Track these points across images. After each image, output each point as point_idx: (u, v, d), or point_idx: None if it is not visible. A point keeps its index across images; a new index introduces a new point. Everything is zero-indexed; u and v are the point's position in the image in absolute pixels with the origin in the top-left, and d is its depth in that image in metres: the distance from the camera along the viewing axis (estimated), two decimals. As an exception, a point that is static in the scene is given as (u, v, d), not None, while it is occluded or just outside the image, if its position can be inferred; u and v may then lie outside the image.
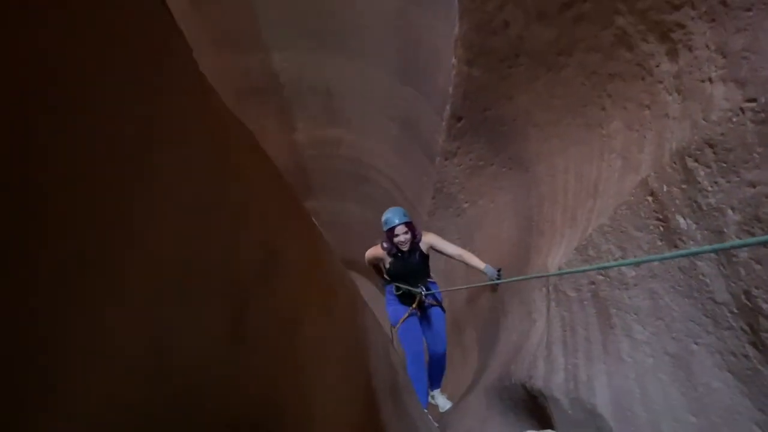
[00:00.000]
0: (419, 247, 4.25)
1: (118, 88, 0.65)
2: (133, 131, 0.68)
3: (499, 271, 3.89)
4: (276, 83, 6.76)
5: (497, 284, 3.92)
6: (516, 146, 3.65)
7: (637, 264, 2.07)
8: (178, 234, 0.82)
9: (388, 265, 4.33)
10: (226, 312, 1.02)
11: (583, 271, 2.42)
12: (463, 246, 4.64)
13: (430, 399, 4.71)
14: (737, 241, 1.54)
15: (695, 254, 1.75)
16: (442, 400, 4.69)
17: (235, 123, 1.37)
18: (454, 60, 3.77)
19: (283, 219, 1.64)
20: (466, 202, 4.70)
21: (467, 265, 4.17)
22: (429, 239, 4.29)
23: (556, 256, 2.91)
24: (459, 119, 4.14)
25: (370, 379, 2.33)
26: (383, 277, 4.53)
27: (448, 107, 4.19)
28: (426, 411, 4.26)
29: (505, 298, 3.87)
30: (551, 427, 2.73)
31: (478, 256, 4.14)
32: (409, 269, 4.27)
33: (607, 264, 2.22)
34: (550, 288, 2.85)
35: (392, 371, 2.87)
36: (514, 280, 3.35)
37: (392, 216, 4.18)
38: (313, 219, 2.37)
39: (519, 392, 3.11)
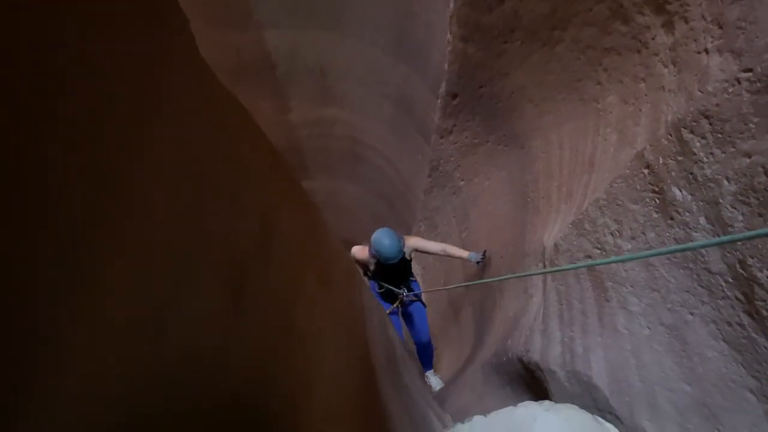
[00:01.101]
0: (403, 253, 4.34)
1: (110, 61, 0.65)
2: (128, 104, 0.68)
3: (484, 253, 4.08)
4: (269, 62, 6.71)
5: (484, 269, 4.10)
6: (511, 123, 3.64)
7: (627, 260, 2.09)
8: (175, 208, 0.82)
9: (372, 267, 4.52)
10: (226, 285, 1.03)
11: (572, 268, 2.44)
12: (459, 225, 4.75)
13: (425, 380, 4.93)
14: (740, 235, 1.55)
15: (696, 248, 1.77)
16: (435, 380, 4.96)
17: (230, 98, 1.37)
18: (449, 36, 3.75)
19: (280, 192, 1.65)
20: (462, 180, 4.70)
21: (452, 257, 4.37)
22: (411, 243, 4.43)
23: (552, 232, 2.92)
24: (454, 96, 4.13)
25: (368, 350, 2.35)
26: (366, 275, 4.72)
27: (443, 84, 4.17)
28: (432, 372, 4.82)
29: (502, 274, 3.89)
30: (548, 400, 2.76)
31: (475, 234, 4.31)
32: (392, 272, 4.48)
33: (597, 261, 2.23)
34: (546, 262, 2.87)
35: (389, 344, 2.90)
36: (502, 279, 3.42)
37: (386, 252, 4.17)
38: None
39: (516, 366, 3.14)
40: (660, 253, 1.65)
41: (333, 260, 2.17)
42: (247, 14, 6.21)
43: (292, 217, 1.70)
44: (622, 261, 2.16)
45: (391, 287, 4.55)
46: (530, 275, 3.19)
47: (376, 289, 4.66)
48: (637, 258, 2.04)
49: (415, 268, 5.74)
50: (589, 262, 2.37)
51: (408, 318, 4.81)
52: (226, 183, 1.10)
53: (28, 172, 0.48)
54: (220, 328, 1.00)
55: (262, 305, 1.26)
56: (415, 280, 4.87)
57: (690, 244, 1.74)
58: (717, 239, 1.60)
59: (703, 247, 1.74)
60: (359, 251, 4.57)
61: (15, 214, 0.46)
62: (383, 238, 4.17)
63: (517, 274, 3.31)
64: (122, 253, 0.65)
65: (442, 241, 5.00)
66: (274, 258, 1.37)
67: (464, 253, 4.22)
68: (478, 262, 4.14)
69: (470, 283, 4.19)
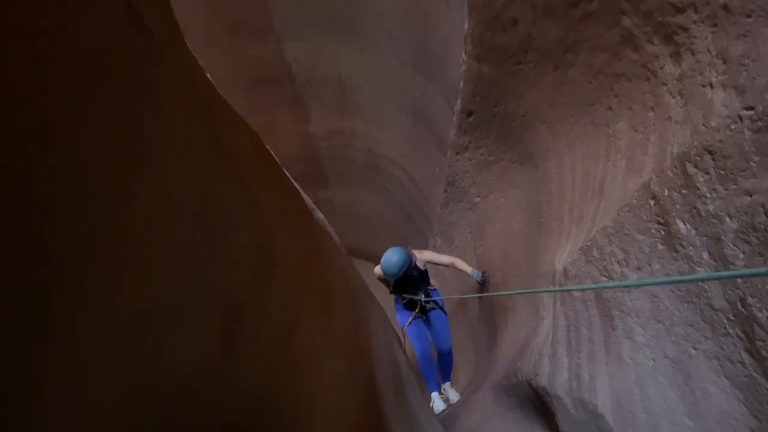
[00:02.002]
0: (417, 265, 4.78)
1: (104, 89, 0.66)
2: (122, 132, 0.69)
3: (483, 273, 4.48)
4: (288, 73, 6.78)
5: (487, 286, 4.46)
6: (525, 142, 3.64)
7: (628, 287, 2.07)
8: (169, 241, 0.83)
9: (392, 281, 4.80)
10: (222, 318, 1.04)
11: (577, 289, 2.43)
12: (474, 241, 4.80)
13: (442, 391, 5.17)
14: (741, 271, 1.54)
15: (700, 280, 1.76)
16: (452, 393, 5.11)
17: (236, 121, 1.38)
18: (464, 55, 3.76)
19: (282, 217, 1.66)
20: (478, 196, 4.70)
21: (459, 270, 4.74)
22: (424, 256, 4.84)
23: (562, 256, 2.91)
24: (470, 114, 4.14)
25: (373, 375, 2.35)
26: (390, 290, 5.06)
27: (458, 102, 4.19)
28: (437, 394, 5.00)
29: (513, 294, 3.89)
30: (555, 426, 2.75)
31: (490, 251, 4.43)
32: (410, 283, 4.84)
33: (600, 285, 2.22)
34: (556, 285, 2.86)
35: (396, 367, 2.90)
36: (514, 293, 3.42)
37: (386, 269, 4.59)
38: (324, 209, 2.39)
39: (525, 389, 3.13)
40: (663, 282, 1.64)
41: (336, 283, 2.18)
42: (267, 27, 6.28)
43: (293, 243, 1.70)
44: (625, 287, 2.15)
45: (411, 296, 4.87)
46: (539, 292, 3.18)
47: (400, 301, 5.02)
48: (639, 285, 2.03)
49: (432, 281, 5.81)
50: (593, 285, 2.36)
51: (430, 324, 5.05)
52: (224, 215, 1.11)
53: (25, 211, 0.49)
54: (216, 361, 1.01)
55: (260, 336, 1.27)
56: (435, 289, 5.13)
57: (688, 277, 1.73)
58: (717, 273, 1.59)
59: (703, 280, 1.73)
60: (379, 270, 4.82)
61: (14, 249, 0.47)
62: (392, 256, 4.57)
63: (528, 290, 3.29)
64: (120, 289, 0.66)
65: (458, 256, 5.15)
66: (272, 288, 1.38)
67: (468, 269, 4.59)
68: (478, 281, 4.49)
69: (487, 294, 4.35)
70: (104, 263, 0.63)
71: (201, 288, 0.95)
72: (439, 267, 5.29)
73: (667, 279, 1.88)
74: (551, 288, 3.02)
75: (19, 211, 0.49)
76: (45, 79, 0.55)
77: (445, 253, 5.25)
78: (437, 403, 4.99)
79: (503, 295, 4.09)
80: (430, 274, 5.07)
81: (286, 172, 1.96)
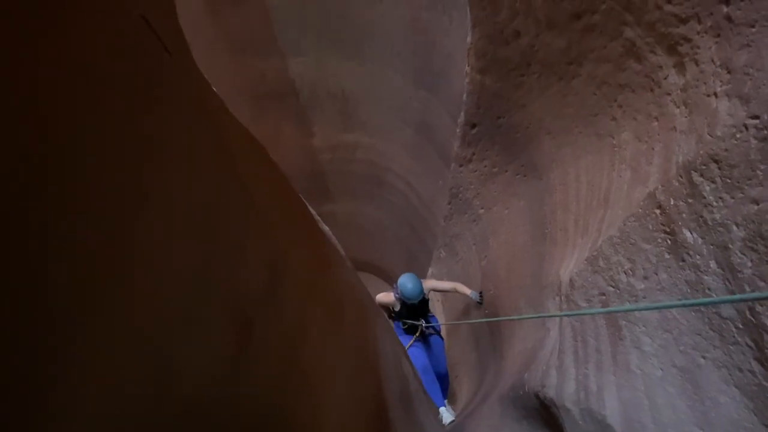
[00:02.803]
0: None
1: (115, 106, 0.67)
2: (134, 147, 0.70)
3: (480, 293, 4.77)
4: (292, 88, 6.83)
5: (482, 304, 4.75)
6: (529, 154, 3.65)
7: (651, 309, 2.07)
8: (180, 254, 0.84)
9: (397, 308, 5.22)
10: (233, 331, 1.05)
11: (581, 314, 2.43)
12: (479, 253, 4.81)
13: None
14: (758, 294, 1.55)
15: (713, 303, 1.76)
16: (447, 415, 5.31)
17: (244, 135, 1.39)
18: (467, 68, 3.78)
19: (290, 231, 1.66)
20: (482, 208, 4.71)
21: (460, 294, 5.06)
22: (428, 285, 5.21)
23: (568, 266, 2.91)
24: (473, 126, 4.16)
25: (380, 387, 2.35)
26: (390, 316, 5.37)
27: (462, 114, 4.21)
28: (444, 408, 5.18)
29: (520, 305, 3.88)
30: (562, 437, 2.73)
31: (494, 263, 4.45)
32: (414, 310, 5.19)
33: (615, 308, 2.22)
34: (562, 298, 2.85)
35: (403, 380, 2.89)
36: (513, 318, 3.44)
37: (410, 294, 4.92)
38: (328, 222, 2.40)
39: (532, 401, 3.11)
40: (672, 306, 1.64)
41: (344, 296, 2.19)
42: (271, 42, 6.34)
43: (301, 256, 1.71)
44: (628, 311, 2.15)
45: (413, 322, 5.22)
46: (541, 317, 3.17)
47: (401, 327, 5.34)
48: (645, 309, 2.02)
49: (436, 294, 6.06)
50: (592, 310, 2.36)
51: (429, 348, 5.38)
52: (233, 230, 1.12)
53: (37, 221, 0.50)
54: (227, 372, 1.01)
55: (270, 348, 1.28)
56: (434, 316, 5.59)
57: (702, 300, 1.73)
58: (729, 297, 1.59)
59: (716, 303, 1.73)
60: (384, 296, 5.22)
61: (27, 259, 0.48)
62: (407, 282, 4.92)
63: (524, 316, 3.29)
64: (131, 304, 0.67)
65: (462, 267, 5.21)
66: (281, 301, 1.39)
67: (467, 291, 4.89)
68: (478, 302, 4.79)
69: (483, 320, 4.60)
70: (118, 276, 0.64)
71: (211, 300, 0.96)
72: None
73: (677, 303, 1.89)
74: (552, 313, 3.02)
75: (39, 215, 0.50)
76: (66, 92, 0.56)
77: (446, 279, 5.65)
78: (446, 416, 5.12)
79: (503, 316, 4.09)
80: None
81: (293, 187, 1.98)
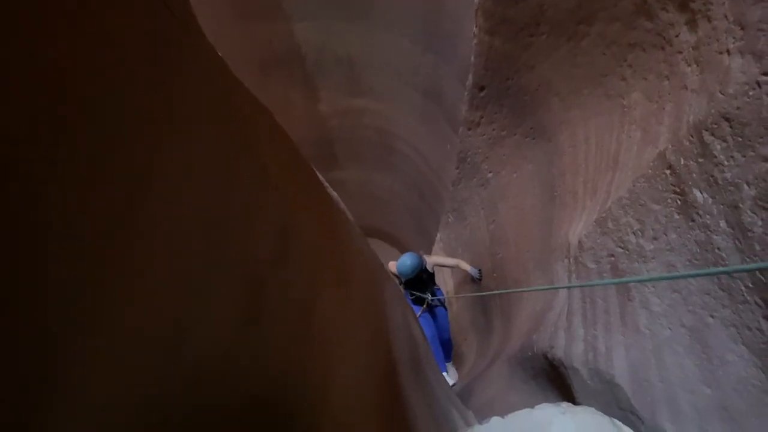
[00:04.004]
0: (426, 268, 5.54)
1: (133, 67, 0.67)
2: (147, 114, 0.70)
3: (479, 270, 5.17)
4: (299, 53, 6.75)
5: (481, 280, 5.15)
6: (538, 116, 3.62)
7: (662, 280, 2.07)
8: (192, 221, 0.85)
9: (404, 279, 5.55)
10: (243, 294, 1.06)
11: (589, 285, 2.43)
12: (487, 217, 4.81)
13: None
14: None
15: (722, 273, 1.75)
16: (452, 372, 5.98)
17: (251, 100, 1.39)
18: (475, 29, 3.73)
19: (299, 195, 1.67)
20: (490, 172, 4.69)
21: (461, 270, 5.48)
22: (432, 260, 5.69)
23: (577, 228, 2.91)
24: (481, 89, 4.11)
25: (390, 347, 2.38)
26: (400, 284, 5.72)
27: (470, 77, 4.16)
28: (446, 374, 5.67)
29: (529, 268, 3.89)
30: (571, 397, 2.77)
31: (503, 226, 4.51)
32: (420, 283, 5.57)
33: (626, 279, 2.22)
34: (571, 260, 2.86)
35: (412, 342, 2.92)
36: (518, 291, 3.47)
37: (401, 271, 5.37)
38: (337, 189, 2.40)
39: (540, 362, 3.15)
40: (681, 276, 1.64)
41: (354, 258, 2.20)
42: (276, 6, 6.25)
43: (311, 221, 1.72)
44: (642, 281, 2.15)
45: (419, 294, 5.61)
46: (545, 289, 3.18)
47: (409, 296, 5.66)
48: (655, 279, 2.03)
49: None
50: (606, 281, 2.36)
51: (434, 318, 5.86)
52: (244, 193, 1.12)
53: (52, 188, 0.50)
54: (238, 335, 1.03)
55: (280, 311, 1.29)
56: (439, 288, 6.03)
57: (721, 269, 1.73)
58: (750, 265, 1.59)
59: (728, 273, 1.72)
60: (393, 266, 5.55)
61: (35, 224, 0.49)
62: (406, 260, 5.37)
63: (530, 288, 3.30)
64: (140, 266, 0.68)
65: (471, 232, 5.37)
66: (292, 264, 1.39)
67: (468, 268, 5.29)
68: (476, 278, 5.19)
69: (486, 293, 4.75)
70: (129, 239, 0.64)
71: (222, 264, 0.97)
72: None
73: (689, 273, 1.88)
74: (559, 285, 3.02)
75: (45, 184, 0.50)
76: (77, 58, 0.56)
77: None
78: (451, 373, 5.71)
79: (511, 279, 4.10)
80: None
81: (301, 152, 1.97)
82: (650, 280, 2.11)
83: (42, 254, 0.49)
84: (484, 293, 4.87)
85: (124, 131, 0.64)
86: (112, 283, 0.61)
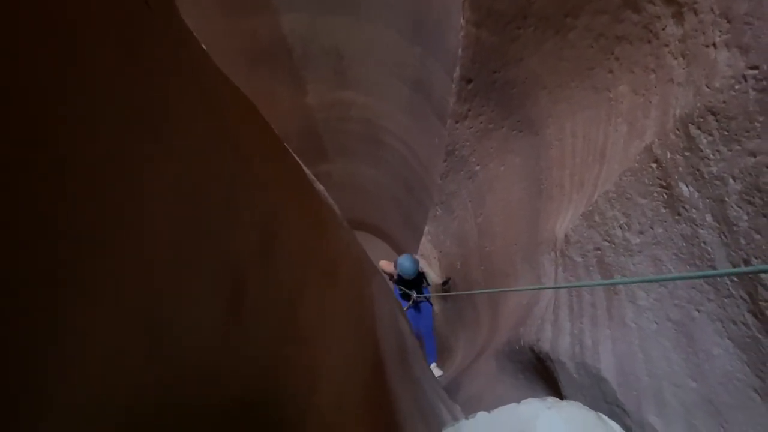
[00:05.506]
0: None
1: (107, 62, 0.65)
2: (121, 109, 0.68)
3: (447, 279, 5.87)
4: (285, 46, 6.69)
5: (449, 289, 5.73)
6: (526, 109, 3.61)
7: (653, 282, 2.07)
8: (171, 218, 0.82)
9: (396, 277, 5.99)
10: (224, 292, 1.04)
11: (578, 286, 2.43)
12: (475, 210, 4.82)
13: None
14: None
15: (709, 277, 1.75)
16: (436, 372, 6.16)
17: (232, 90, 1.36)
18: (462, 21, 3.71)
19: (285, 189, 1.64)
20: (478, 165, 4.68)
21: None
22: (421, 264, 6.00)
23: (564, 222, 2.90)
24: (469, 81, 4.09)
25: (378, 345, 2.37)
26: (391, 279, 6.19)
27: (457, 69, 4.14)
28: (434, 365, 6.17)
29: (516, 261, 3.89)
30: (558, 390, 2.77)
31: (490, 219, 4.55)
32: (410, 281, 5.92)
33: (616, 280, 2.22)
34: (558, 253, 2.86)
35: (400, 336, 2.92)
36: (507, 291, 3.44)
37: (407, 273, 5.70)
38: (324, 183, 2.38)
39: (528, 355, 3.15)
40: (669, 279, 1.64)
41: (341, 252, 2.18)
42: (262, -1, 6.20)
43: (296, 215, 1.69)
44: (630, 283, 2.15)
45: (408, 291, 5.97)
46: (536, 289, 3.18)
47: (398, 292, 6.03)
48: (643, 281, 2.02)
49: (433, 252, 6.27)
50: (595, 282, 2.36)
51: (419, 313, 6.22)
52: (225, 188, 1.10)
53: (24, 186, 0.49)
54: (220, 333, 1.01)
55: (264, 309, 1.27)
56: (426, 287, 6.31)
57: (704, 273, 1.73)
58: (737, 269, 1.59)
59: (717, 276, 1.72)
60: (386, 265, 6.08)
61: (18, 221, 0.47)
62: (405, 262, 5.69)
63: (518, 288, 3.30)
64: (120, 265, 0.66)
65: (458, 225, 5.37)
66: (276, 261, 1.38)
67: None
68: (443, 283, 5.82)
69: (472, 292, 4.88)
70: (105, 238, 0.62)
71: (202, 260, 0.94)
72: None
73: (676, 275, 1.88)
74: (548, 285, 3.03)
75: (32, 174, 0.49)
76: (47, 53, 0.54)
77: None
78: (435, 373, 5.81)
79: (499, 274, 4.10)
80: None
81: (286, 145, 1.95)
82: (640, 281, 2.11)
83: (11, 257, 0.48)
84: (466, 292, 5.06)
85: (99, 126, 0.62)
86: (81, 284, 0.59)
